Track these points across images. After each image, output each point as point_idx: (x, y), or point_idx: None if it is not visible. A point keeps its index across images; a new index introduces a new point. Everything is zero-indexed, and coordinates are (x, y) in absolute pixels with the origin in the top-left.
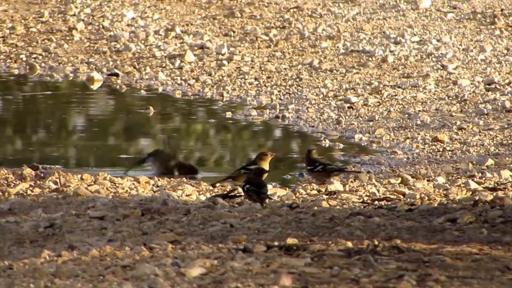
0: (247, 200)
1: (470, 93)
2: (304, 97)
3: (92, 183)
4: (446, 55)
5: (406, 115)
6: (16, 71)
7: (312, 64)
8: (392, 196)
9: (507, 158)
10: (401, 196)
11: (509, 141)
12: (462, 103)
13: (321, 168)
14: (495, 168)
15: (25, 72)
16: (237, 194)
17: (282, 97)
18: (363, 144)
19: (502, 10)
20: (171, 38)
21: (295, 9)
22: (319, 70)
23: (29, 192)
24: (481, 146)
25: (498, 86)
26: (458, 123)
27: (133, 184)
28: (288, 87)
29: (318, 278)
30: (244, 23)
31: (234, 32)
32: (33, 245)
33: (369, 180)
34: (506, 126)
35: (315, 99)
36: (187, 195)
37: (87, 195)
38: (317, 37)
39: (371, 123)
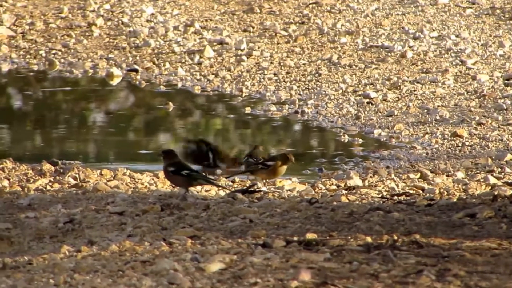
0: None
1: (489, 88)
2: (323, 92)
3: (112, 178)
4: (465, 50)
5: (425, 110)
6: (35, 67)
7: (331, 59)
8: (411, 191)
9: None
10: (420, 191)
11: None
12: (481, 98)
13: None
14: None
15: (45, 68)
16: (257, 189)
17: (301, 93)
18: (382, 139)
19: None
20: (190, 33)
21: (314, 5)
22: (338, 66)
23: (48, 187)
24: (500, 141)
25: None
26: (477, 118)
27: (153, 179)
28: (307, 82)
29: (337, 273)
30: (263, 18)
31: (253, 27)
32: (53, 240)
33: (388, 175)
34: None
35: (334, 95)
36: (206, 191)
37: (107, 191)
38: (336, 32)
39: (390, 118)
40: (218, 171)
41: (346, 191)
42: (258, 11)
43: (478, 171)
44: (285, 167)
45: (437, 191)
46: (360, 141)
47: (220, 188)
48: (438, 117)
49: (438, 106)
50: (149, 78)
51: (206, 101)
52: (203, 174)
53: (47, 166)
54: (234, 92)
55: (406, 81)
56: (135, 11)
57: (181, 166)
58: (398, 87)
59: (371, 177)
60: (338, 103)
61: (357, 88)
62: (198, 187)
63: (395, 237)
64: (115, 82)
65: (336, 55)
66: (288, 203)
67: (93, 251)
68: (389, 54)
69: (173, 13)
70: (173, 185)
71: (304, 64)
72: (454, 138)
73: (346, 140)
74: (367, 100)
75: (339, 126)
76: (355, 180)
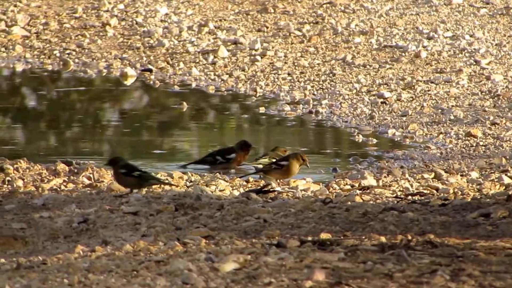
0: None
1: (503, 88)
2: (338, 92)
3: None
4: (479, 50)
5: (439, 110)
6: (49, 67)
7: (345, 59)
8: (425, 191)
9: None
10: (435, 191)
11: None
12: (495, 98)
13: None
14: None
15: (59, 67)
16: (271, 189)
17: (315, 92)
18: (396, 139)
19: None
20: (204, 33)
21: (328, 5)
22: (352, 65)
23: (62, 187)
24: None
25: None
26: (491, 118)
27: (167, 179)
28: (321, 82)
29: (352, 273)
30: (277, 18)
31: (267, 27)
32: (67, 240)
33: (402, 175)
34: None
35: (348, 94)
36: (220, 190)
37: (121, 190)
38: (350, 32)
39: (404, 118)
40: (232, 171)
41: (360, 191)
42: (272, 11)
43: (492, 171)
44: (298, 167)
45: (451, 191)
46: (374, 141)
47: (172, 186)
48: (452, 117)
49: (452, 106)
50: (163, 78)
51: (220, 101)
52: (153, 174)
53: (61, 166)
54: (248, 92)
55: (420, 81)
56: (149, 11)
57: (132, 168)
58: (412, 87)
59: (385, 177)
60: (352, 103)
61: (371, 88)
62: (213, 187)
63: (409, 237)
64: (129, 82)
65: (350, 55)
66: (302, 203)
67: (107, 251)
68: (403, 54)
69: (187, 13)
70: (125, 187)
71: (318, 64)
72: (468, 138)
73: (360, 140)
74: (381, 100)
75: (353, 126)
76: (369, 180)
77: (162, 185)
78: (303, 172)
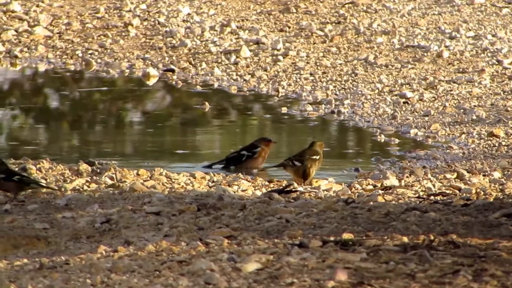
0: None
1: None
2: (360, 92)
3: (148, 178)
4: (501, 50)
5: (462, 110)
6: (72, 67)
7: (367, 59)
8: (447, 191)
9: None
10: (457, 191)
11: None
12: None
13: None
14: None
15: (81, 68)
16: (293, 189)
17: (337, 92)
18: (418, 139)
19: None
20: (226, 33)
21: (350, 4)
22: (374, 65)
23: (85, 187)
24: None
25: None
26: None
27: (189, 179)
28: (343, 82)
29: (374, 273)
30: (299, 18)
31: (289, 27)
32: (90, 240)
33: (424, 175)
34: None
35: (370, 94)
36: (243, 190)
37: (143, 191)
38: (372, 32)
39: (426, 118)
40: (254, 171)
41: (383, 191)
42: (294, 11)
43: None
44: (313, 170)
45: (473, 191)
46: (397, 141)
47: (53, 190)
48: (474, 117)
49: (475, 106)
50: (185, 78)
51: (242, 101)
52: (33, 178)
53: (84, 166)
54: (270, 92)
55: (443, 81)
56: (171, 11)
57: (12, 172)
58: (435, 87)
59: (407, 177)
60: (375, 103)
61: (394, 88)
62: (235, 187)
63: (432, 237)
64: (151, 82)
65: (373, 55)
66: (324, 203)
67: (129, 251)
68: (426, 54)
69: (210, 13)
70: (4, 191)
71: (340, 64)
72: (491, 138)
73: (383, 140)
74: (404, 100)
75: (375, 126)
76: (392, 180)
77: (45, 188)
78: (325, 172)
